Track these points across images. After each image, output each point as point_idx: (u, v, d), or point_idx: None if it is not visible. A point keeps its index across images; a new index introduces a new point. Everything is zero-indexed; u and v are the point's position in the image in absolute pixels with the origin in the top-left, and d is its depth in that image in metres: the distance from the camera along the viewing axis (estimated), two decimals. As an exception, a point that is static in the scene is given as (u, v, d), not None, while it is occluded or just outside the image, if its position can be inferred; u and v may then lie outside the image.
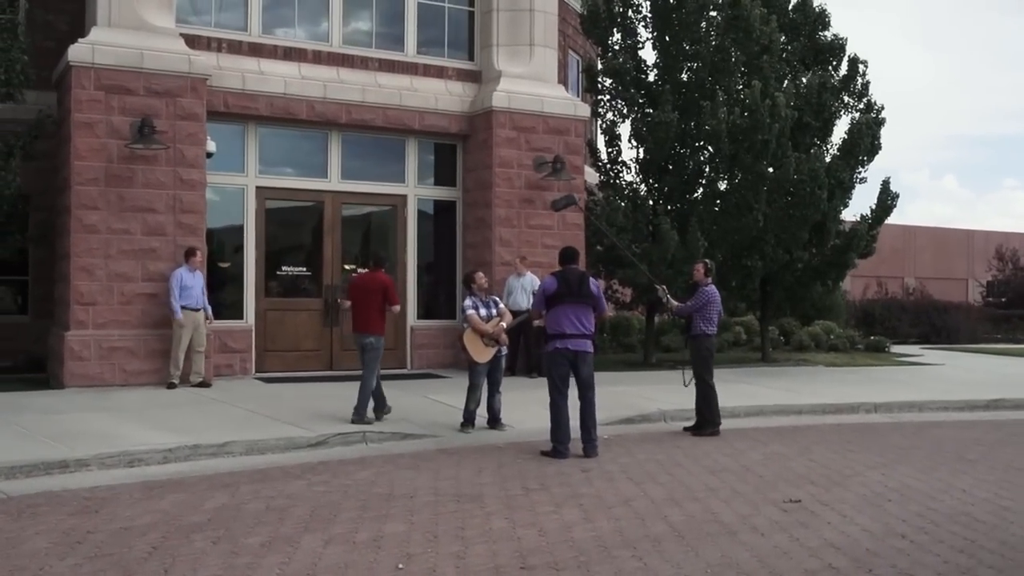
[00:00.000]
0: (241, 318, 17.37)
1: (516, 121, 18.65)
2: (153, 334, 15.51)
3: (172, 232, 15.79)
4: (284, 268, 18.07)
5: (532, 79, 19.11)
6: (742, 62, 20.83)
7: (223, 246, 17.73)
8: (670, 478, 9.63)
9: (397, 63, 18.83)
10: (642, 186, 21.77)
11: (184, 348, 15.22)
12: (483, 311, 12.24)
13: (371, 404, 12.39)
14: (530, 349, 17.96)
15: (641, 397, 14.87)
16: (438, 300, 19.65)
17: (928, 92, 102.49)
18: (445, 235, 19.65)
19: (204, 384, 15.30)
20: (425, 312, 19.25)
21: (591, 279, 11.12)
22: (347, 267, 18.33)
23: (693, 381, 12.68)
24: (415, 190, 19.08)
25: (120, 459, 10.00)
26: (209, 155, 16.63)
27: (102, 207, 15.34)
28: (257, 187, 17.58)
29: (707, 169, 21.18)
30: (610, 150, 21.81)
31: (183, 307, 15.13)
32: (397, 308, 13.00)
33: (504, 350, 12.39)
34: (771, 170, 20.29)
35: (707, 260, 13.10)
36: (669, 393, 14.96)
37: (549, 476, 9.70)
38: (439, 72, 19.26)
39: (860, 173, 22.35)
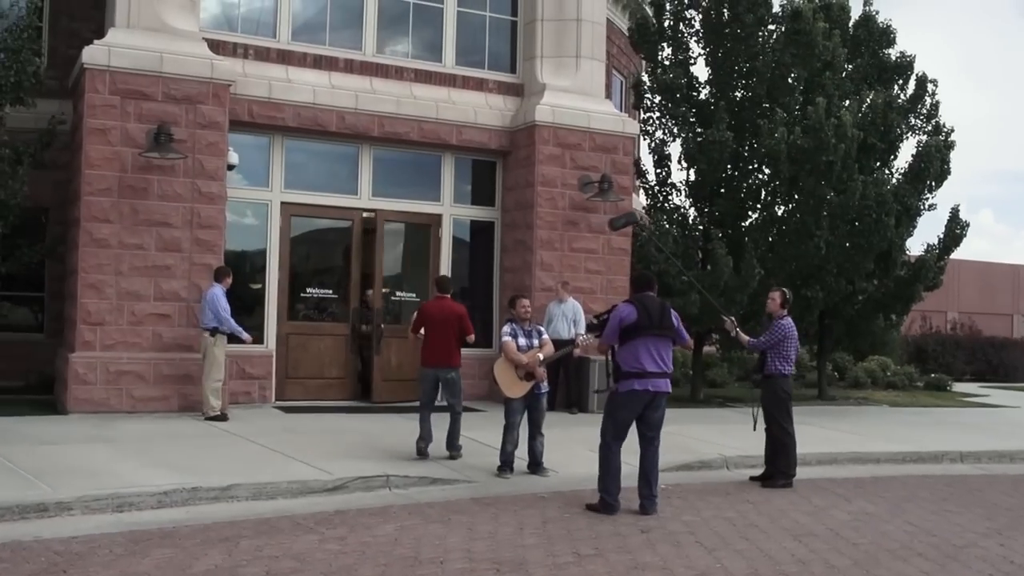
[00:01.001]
0: (261, 342, 16.11)
1: (561, 137, 17.36)
2: (164, 358, 14.28)
3: (188, 248, 14.58)
4: (309, 290, 16.82)
5: (578, 93, 17.82)
6: (803, 79, 19.49)
7: (244, 265, 16.50)
8: (747, 544, 8.21)
9: (434, 74, 17.60)
10: (691, 210, 20.45)
11: (224, 374, 14.05)
12: (522, 340, 10.97)
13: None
14: (570, 382, 16.61)
15: (698, 439, 13.41)
16: (473, 328, 18.26)
17: (970, 127, 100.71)
18: (482, 258, 18.37)
19: (221, 417, 14.04)
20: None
21: (671, 309, 9.74)
22: (369, 292, 17.08)
23: (763, 426, 11.29)
24: (451, 209, 17.81)
25: (108, 502, 8.69)
26: (231, 167, 15.47)
27: (114, 220, 14.16)
28: (282, 203, 16.35)
29: (763, 192, 19.82)
30: (659, 171, 20.47)
31: (216, 330, 13.90)
32: (472, 338, 12.13)
33: (544, 386, 11.06)
34: (834, 194, 18.86)
35: (784, 289, 11.67)
36: (728, 436, 13.59)
37: (603, 537, 8.30)
38: (479, 84, 18.02)
39: (927, 199, 20.90)
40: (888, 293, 20.90)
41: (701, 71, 20.44)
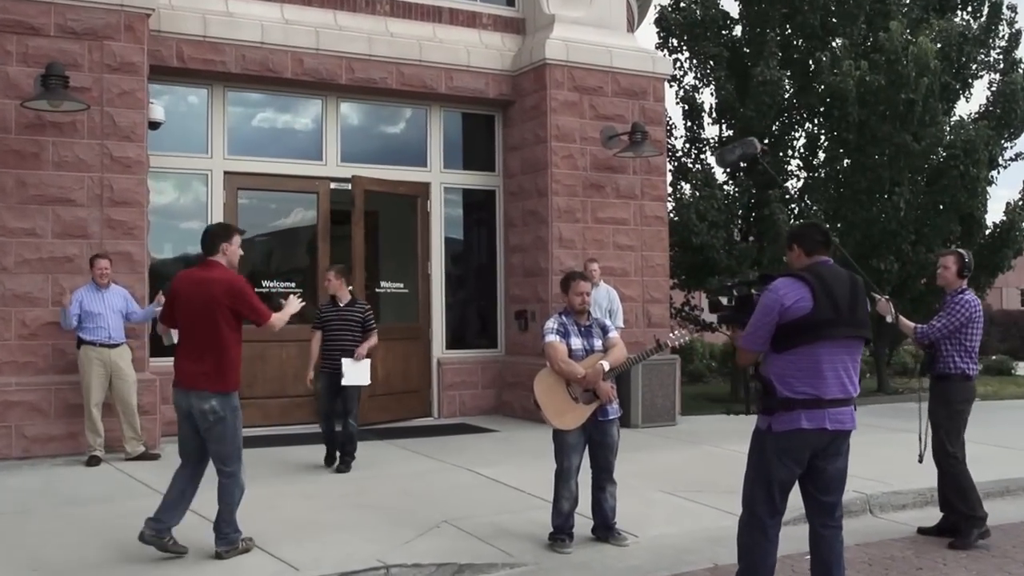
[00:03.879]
0: (206, 355, 12.39)
1: (577, 79, 13.69)
2: (68, 382, 10.50)
3: (98, 233, 10.82)
4: (265, 284, 13.00)
5: (595, 26, 14.15)
6: (863, 4, 15.93)
7: (177, 254, 12.76)
8: None
9: (415, 6, 13.88)
10: (725, 171, 16.93)
11: (98, 401, 10.21)
12: (576, 341, 7.32)
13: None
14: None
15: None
16: (473, 323, 14.68)
17: None
18: (482, 236, 14.70)
19: (148, 455, 10.33)
20: (455, 340, 14.26)
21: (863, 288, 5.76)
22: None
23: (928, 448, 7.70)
24: (440, 176, 14.12)
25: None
26: (155, 125, 11.76)
27: (-8, 197, 10.45)
28: (226, 172, 12.63)
29: (822, 142, 16.29)
30: (689, 124, 16.91)
31: (89, 342, 10.19)
32: (269, 324, 7.05)
33: (614, 409, 7.39)
34: (913, 141, 15.33)
35: (962, 251, 8.05)
36: (852, 457, 9.98)
37: None
38: (471, 19, 14.32)
39: (1007, 148, 17.34)
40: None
41: (730, 5, 16.91)
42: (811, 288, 5.27)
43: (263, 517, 7.60)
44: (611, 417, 7.33)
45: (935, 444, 7.69)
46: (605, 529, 7.38)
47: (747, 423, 12.95)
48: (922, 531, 7.77)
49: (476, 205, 14.65)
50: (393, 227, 14.27)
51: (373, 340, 10.07)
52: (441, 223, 14.07)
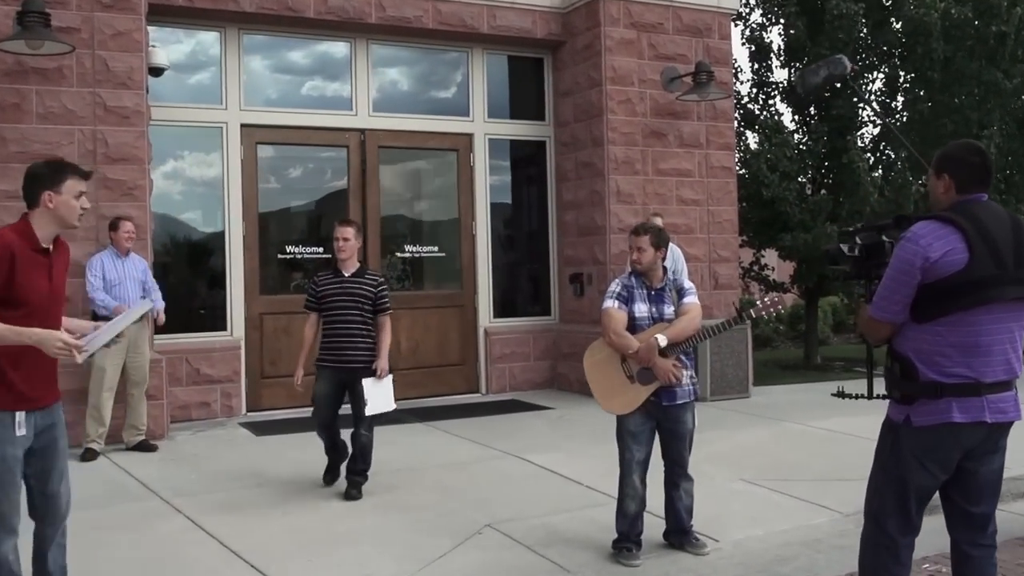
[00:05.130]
0: (223, 329, 11.19)
1: (635, 15, 12.22)
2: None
3: (93, 193, 9.50)
4: (289, 250, 11.76)
5: (652, -45, 12.68)
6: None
7: (189, 219, 11.54)
8: None
9: (451, -63, 12.49)
10: (791, 122, 15.43)
11: (112, 385, 8.97)
12: (641, 308, 5.94)
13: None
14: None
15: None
16: (524, 288, 13.33)
17: None
18: (532, 192, 13.31)
19: (146, 446, 9.11)
20: (504, 307, 12.91)
21: None
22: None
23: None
24: (484, 126, 12.73)
25: None
26: (157, 72, 10.51)
27: (-28, 154, 9.25)
28: (243, 125, 11.33)
29: (903, 83, 14.72)
30: (757, 66, 15.40)
31: (106, 316, 8.90)
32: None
33: (684, 392, 5.97)
34: (1004, 78, 13.73)
35: None
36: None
37: None
38: (513, -49, 12.91)
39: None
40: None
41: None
42: (965, 235, 3.92)
43: (268, 525, 6.35)
44: (679, 401, 5.94)
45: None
46: (680, 534, 6.03)
47: (825, 393, 11.67)
48: None
49: (525, 158, 13.25)
50: (431, 184, 12.95)
51: (388, 335, 7.44)
52: (486, 178, 12.69)
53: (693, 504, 6.04)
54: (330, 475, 7.55)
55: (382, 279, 7.58)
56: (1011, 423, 4.09)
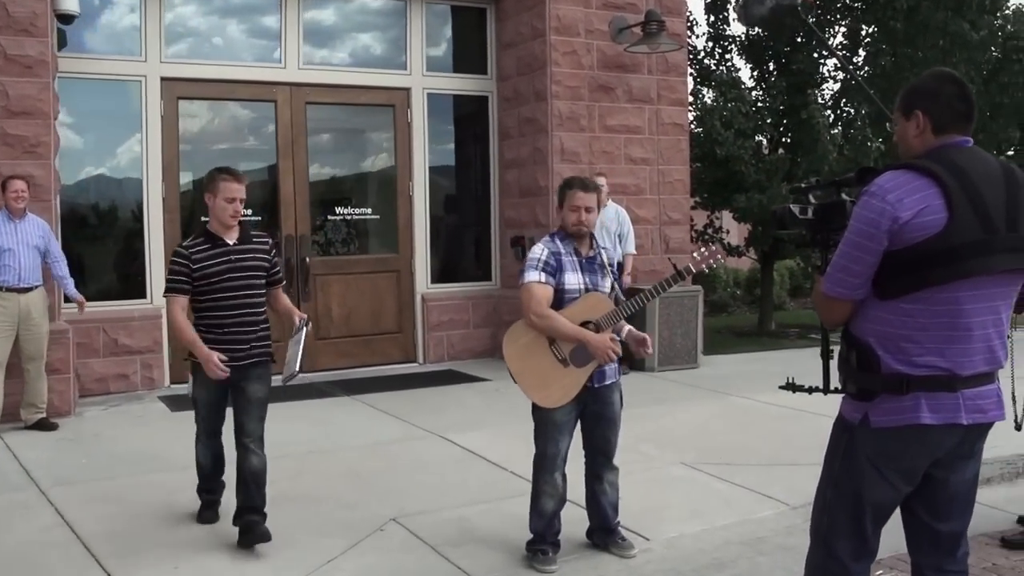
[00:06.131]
0: (143, 297, 10.50)
1: (581, -39, 11.57)
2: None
3: (-9, 152, 8.90)
4: (215, 211, 11.07)
5: (600, -103, 11.97)
6: None
7: (102, 180, 10.78)
8: None
9: None
10: (750, 79, 14.82)
11: (2, 360, 8.29)
12: (571, 279, 5.17)
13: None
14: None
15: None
16: (463, 253, 12.69)
17: None
18: (473, 150, 12.63)
19: (45, 424, 8.44)
20: (443, 272, 12.27)
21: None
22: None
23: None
24: (423, 80, 12.01)
25: None
26: (67, 19, 9.69)
27: None
28: (163, 79, 10.57)
29: (865, 36, 14.12)
30: (713, 19, 14.76)
31: None
32: None
33: (613, 370, 5.32)
34: (971, 29, 13.18)
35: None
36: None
37: None
38: None
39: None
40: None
41: None
42: (944, 189, 3.12)
43: (144, 522, 5.72)
44: (609, 381, 5.28)
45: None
46: (604, 533, 5.43)
47: (778, 363, 11.16)
48: (1007, 542, 5.60)
49: (466, 114, 12.57)
50: (365, 141, 12.26)
51: (285, 300, 5.92)
52: (424, 136, 11.99)
53: (619, 498, 5.44)
54: (210, 511, 5.86)
55: (270, 241, 5.81)
56: (991, 424, 3.35)
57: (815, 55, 14.12)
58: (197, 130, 11.06)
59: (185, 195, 10.79)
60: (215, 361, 5.26)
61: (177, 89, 10.66)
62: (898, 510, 3.46)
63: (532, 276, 5.13)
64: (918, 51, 13.63)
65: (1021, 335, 5.68)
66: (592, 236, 5.33)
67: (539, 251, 5.19)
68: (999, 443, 6.58)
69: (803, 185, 4.01)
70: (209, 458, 5.83)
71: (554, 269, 5.14)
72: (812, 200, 3.85)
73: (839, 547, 3.40)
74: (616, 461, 5.42)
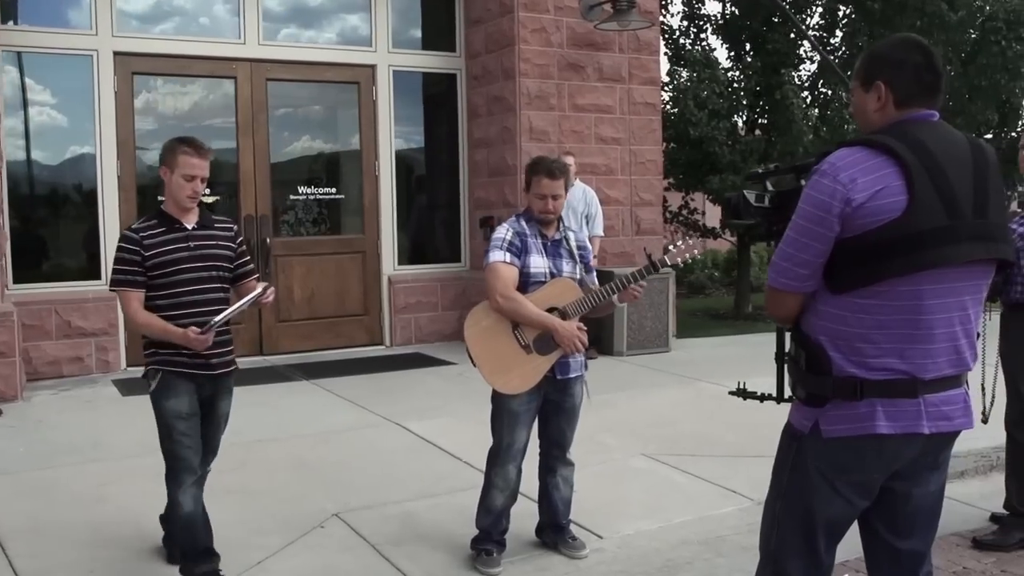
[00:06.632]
0: (97, 278, 10.19)
1: (550, -66, 11.26)
2: None
3: (-67, 128, 8.58)
4: (172, 190, 10.76)
5: None
6: None
7: (55, 159, 10.44)
8: None
9: None
10: (727, 60, 14.55)
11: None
12: (536, 261, 4.93)
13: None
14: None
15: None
16: (431, 234, 12.41)
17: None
18: (441, 129, 12.31)
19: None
20: (412, 254, 11.99)
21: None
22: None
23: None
24: (389, 57, 11.69)
25: None
26: (12, -9, 9.40)
27: None
28: (116, 53, 10.24)
29: (842, 16, 13.86)
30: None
31: None
32: None
33: (578, 363, 5.05)
34: (949, 9, 12.92)
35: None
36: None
37: None
38: None
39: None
40: (1003, 157, 15.04)
41: None
42: (904, 169, 2.77)
43: (68, 519, 5.45)
44: (573, 374, 5.03)
45: (1009, 401, 5.42)
46: (555, 531, 5.18)
47: (752, 346, 10.90)
48: (979, 543, 5.34)
49: (434, 93, 12.25)
50: (330, 120, 11.95)
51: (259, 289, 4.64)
52: (390, 114, 11.67)
53: (572, 495, 5.19)
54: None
55: (234, 226, 4.93)
56: (957, 433, 3.00)
57: (791, 35, 13.85)
58: (154, 106, 10.73)
59: (143, 174, 10.47)
60: (194, 334, 4.33)
61: (131, 64, 10.33)
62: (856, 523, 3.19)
63: (497, 256, 4.88)
64: (895, 32, 13.37)
65: (992, 323, 5.43)
66: (560, 219, 5.09)
67: (504, 231, 4.94)
68: (975, 434, 6.39)
69: (760, 171, 3.61)
70: (199, 508, 4.59)
71: (519, 250, 4.91)
72: (769, 187, 3.45)
73: (790, 566, 3.10)
74: (573, 456, 5.17)
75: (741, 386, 3.85)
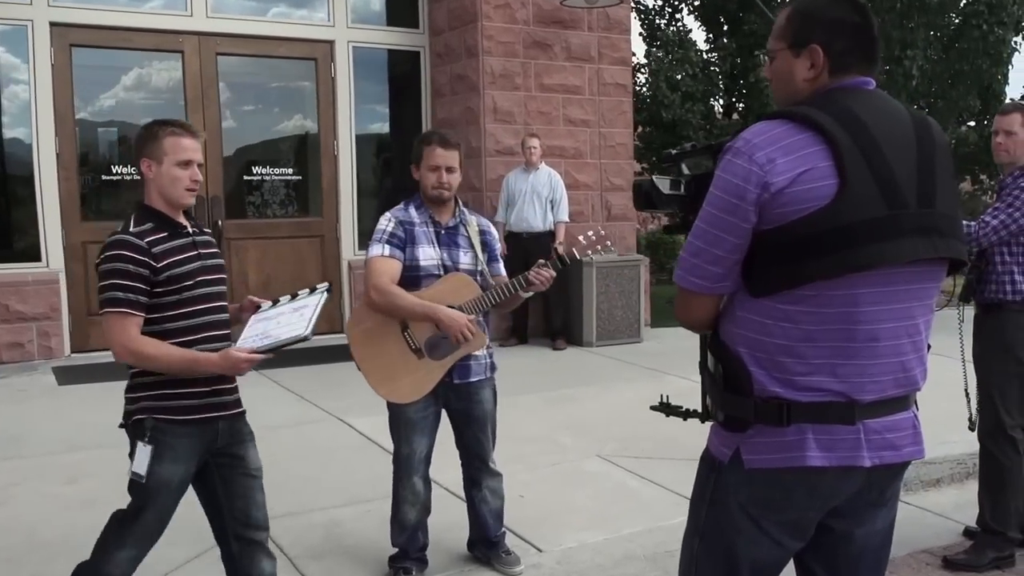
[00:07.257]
0: (37, 260, 9.70)
1: (517, -94, 10.75)
2: None
3: None
4: (117, 171, 10.22)
5: None
6: None
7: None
8: None
9: None
10: (705, 43, 14.10)
11: None
12: (426, 252, 4.39)
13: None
14: (551, 296, 10.01)
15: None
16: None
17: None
18: (404, 108, 11.81)
19: None
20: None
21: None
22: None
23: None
24: (348, 33, 11.18)
25: None
26: (-60, -44, 8.85)
27: None
28: (52, 24, 9.70)
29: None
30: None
31: None
32: None
33: (481, 366, 4.52)
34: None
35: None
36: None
37: None
38: None
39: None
40: (985, 145, 14.67)
41: None
42: (833, 146, 2.24)
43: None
44: (474, 378, 4.48)
45: (982, 409, 4.93)
46: (486, 545, 4.71)
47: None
48: (946, 561, 4.89)
49: (397, 71, 11.77)
50: (285, 98, 11.43)
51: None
52: (350, 92, 11.16)
53: (503, 505, 4.71)
54: None
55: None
56: (905, 464, 2.50)
57: (768, 16, 13.39)
58: (94, 81, 10.18)
59: (85, 152, 9.96)
60: (246, 355, 3.43)
61: (69, 36, 9.79)
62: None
63: (375, 250, 4.35)
64: (877, 15, 12.95)
65: (967, 312, 4.98)
66: (456, 201, 4.55)
67: (385, 222, 4.41)
68: (951, 439, 5.97)
69: (674, 152, 2.95)
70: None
71: (403, 242, 4.36)
72: (685, 171, 2.87)
73: None
74: (497, 465, 4.68)
75: (664, 400, 3.25)
